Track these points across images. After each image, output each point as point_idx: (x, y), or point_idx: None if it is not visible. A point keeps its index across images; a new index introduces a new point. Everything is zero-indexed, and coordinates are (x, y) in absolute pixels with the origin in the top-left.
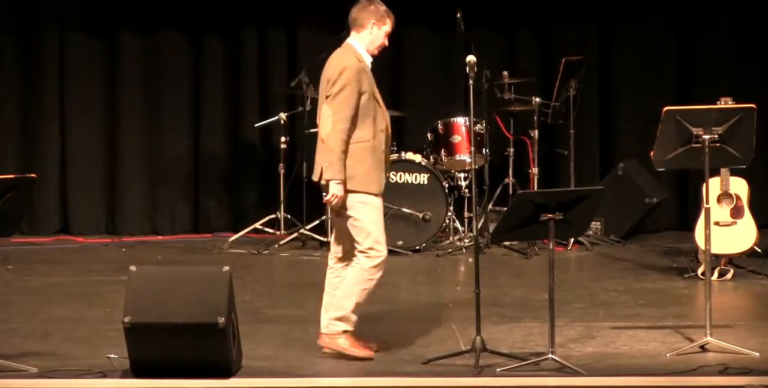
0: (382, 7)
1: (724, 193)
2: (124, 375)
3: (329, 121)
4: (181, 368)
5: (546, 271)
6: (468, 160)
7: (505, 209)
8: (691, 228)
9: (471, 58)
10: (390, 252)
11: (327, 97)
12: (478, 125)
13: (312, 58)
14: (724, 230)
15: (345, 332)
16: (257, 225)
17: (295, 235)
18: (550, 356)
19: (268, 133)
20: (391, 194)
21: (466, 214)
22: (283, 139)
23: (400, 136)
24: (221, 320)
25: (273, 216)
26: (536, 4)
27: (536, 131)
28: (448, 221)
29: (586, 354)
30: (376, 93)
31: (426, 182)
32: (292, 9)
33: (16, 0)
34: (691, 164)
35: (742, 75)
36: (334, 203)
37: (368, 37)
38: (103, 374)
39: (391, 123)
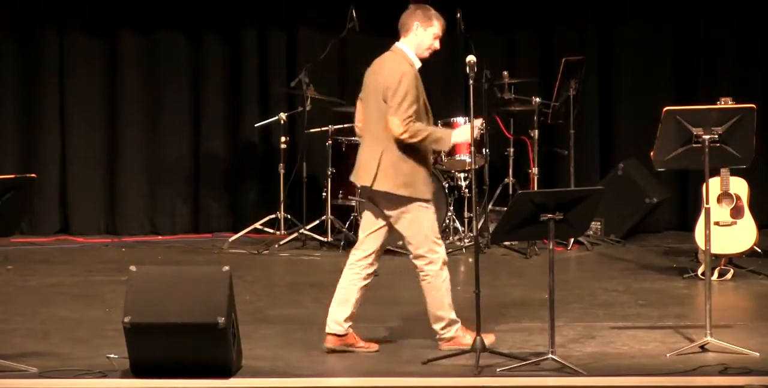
0: (430, 11)
1: (724, 193)
2: (124, 375)
3: (401, 129)
4: (181, 368)
5: (546, 271)
6: (468, 160)
7: (505, 209)
8: (691, 228)
9: (471, 58)
10: (390, 252)
11: (390, 106)
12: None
13: (312, 58)
14: (724, 230)
15: (458, 329)
16: (257, 225)
17: (295, 235)
18: (550, 356)
19: (268, 133)
20: None
21: (466, 214)
22: (283, 139)
23: None
24: (221, 320)
25: (273, 216)
26: (536, 4)
27: (536, 131)
28: (448, 221)
29: (586, 354)
30: (425, 99)
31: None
32: (292, 9)
33: (16, 0)
34: (691, 164)
35: (742, 75)
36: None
37: (414, 40)
38: (103, 374)
39: None
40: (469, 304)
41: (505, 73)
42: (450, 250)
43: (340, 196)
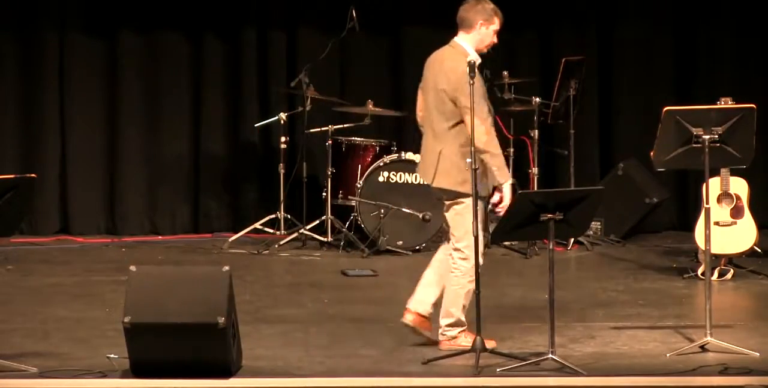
0: (490, 6)
1: (724, 193)
2: (124, 375)
3: (482, 130)
4: (181, 368)
5: (546, 271)
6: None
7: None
8: (691, 228)
9: (471, 58)
10: (390, 252)
11: (463, 107)
12: None
13: (312, 58)
14: (724, 230)
15: (461, 332)
16: (257, 225)
17: (295, 235)
18: (550, 356)
19: (268, 133)
20: (391, 193)
21: None
22: (283, 139)
23: (400, 136)
24: (221, 320)
25: (273, 216)
26: (536, 4)
27: (536, 131)
28: None
29: (586, 354)
30: (485, 92)
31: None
32: (292, 9)
33: (16, 0)
34: (691, 164)
35: (742, 75)
36: (507, 204)
37: (477, 37)
38: (103, 374)
39: (391, 123)
40: (469, 304)
41: (505, 73)
42: None
43: (340, 196)
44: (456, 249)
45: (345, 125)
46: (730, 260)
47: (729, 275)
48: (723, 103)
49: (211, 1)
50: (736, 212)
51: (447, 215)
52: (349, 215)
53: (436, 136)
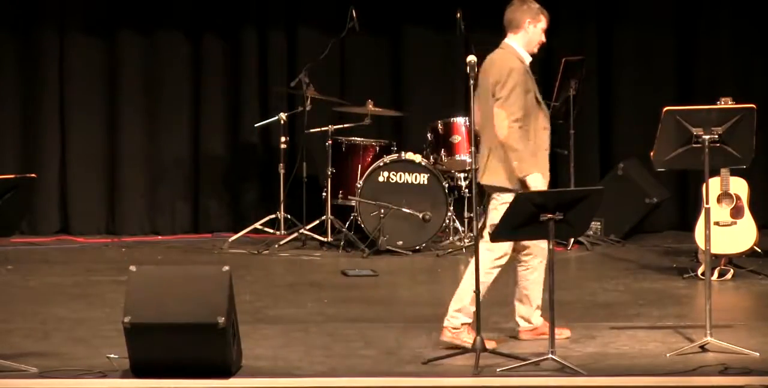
0: (535, 5)
1: (724, 193)
2: (124, 375)
3: (505, 123)
4: (181, 368)
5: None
6: (468, 160)
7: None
8: (691, 228)
9: (471, 58)
10: (390, 252)
11: (497, 99)
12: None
13: (312, 58)
14: (724, 230)
15: (464, 324)
16: (257, 225)
17: (295, 235)
18: (550, 356)
19: (268, 133)
20: (391, 193)
21: (466, 214)
22: (283, 139)
23: (400, 136)
24: (221, 320)
25: (273, 216)
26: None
27: None
28: (448, 221)
29: (586, 354)
30: (537, 92)
31: (426, 182)
32: (292, 9)
33: (16, 0)
34: (691, 164)
35: (742, 75)
36: None
37: (525, 36)
38: (103, 374)
39: (391, 123)
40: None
41: None
42: (450, 250)
43: (340, 196)
44: (518, 249)
45: (345, 125)
46: (730, 260)
47: (729, 275)
48: (723, 103)
49: (211, 1)
50: (736, 212)
51: (490, 207)
52: (349, 215)
53: (488, 136)
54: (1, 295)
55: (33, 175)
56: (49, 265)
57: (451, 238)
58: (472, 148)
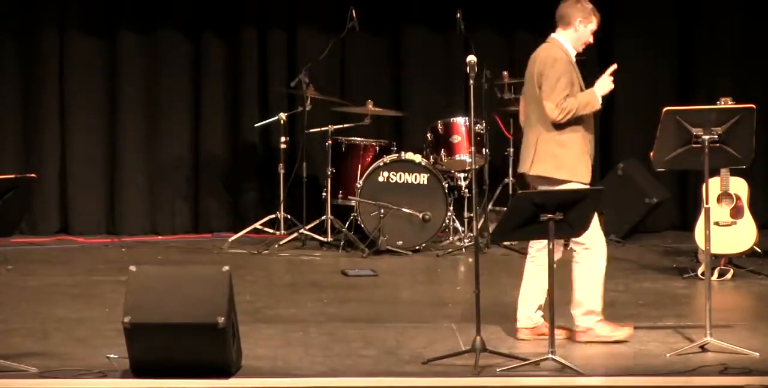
0: (589, 5)
1: (724, 193)
2: (124, 375)
3: (556, 112)
4: (180, 368)
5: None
6: (468, 160)
7: (505, 209)
8: (691, 228)
9: (471, 58)
10: (390, 252)
11: (543, 91)
12: (478, 125)
13: (312, 58)
14: (724, 230)
15: (598, 321)
16: (257, 225)
17: (295, 235)
18: (550, 356)
19: (268, 133)
20: (391, 193)
21: (466, 214)
22: (283, 139)
23: (400, 136)
24: (221, 320)
25: (273, 216)
26: (536, 4)
27: None
28: (448, 221)
29: (586, 354)
30: (583, 86)
31: (426, 182)
32: (292, 9)
33: (16, 0)
34: (691, 164)
35: (742, 75)
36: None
37: (574, 34)
38: (103, 374)
39: (391, 123)
40: (469, 304)
41: (505, 73)
42: (450, 250)
43: (340, 196)
44: (575, 242)
45: (345, 125)
46: (730, 260)
47: (729, 275)
48: (723, 103)
49: (211, 1)
50: (736, 212)
51: None
52: (349, 215)
53: (533, 127)
54: (1, 295)
55: (33, 175)
56: (49, 265)
57: (451, 238)
58: (472, 148)
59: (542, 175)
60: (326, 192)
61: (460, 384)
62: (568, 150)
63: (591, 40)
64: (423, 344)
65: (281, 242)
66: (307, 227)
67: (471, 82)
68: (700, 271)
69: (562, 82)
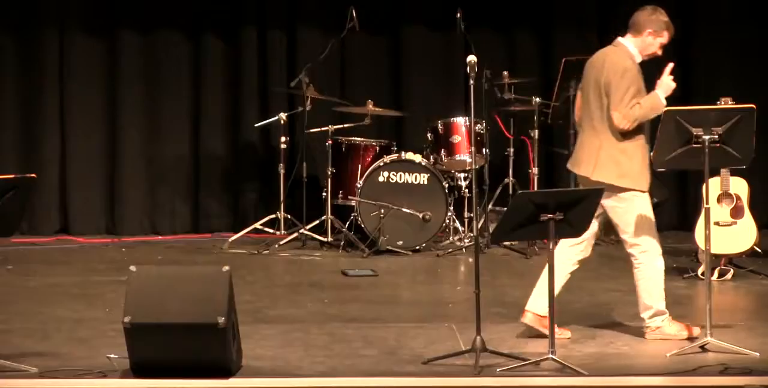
0: (664, 18)
1: (724, 193)
2: (124, 375)
3: (624, 122)
4: (181, 368)
5: None
6: (468, 160)
7: (505, 209)
8: (691, 228)
9: (471, 58)
10: (390, 252)
11: (610, 101)
12: (478, 125)
13: (312, 58)
14: (724, 230)
15: (664, 320)
16: (257, 225)
17: (295, 235)
18: (550, 356)
19: (268, 133)
20: (391, 193)
21: (466, 214)
22: (283, 139)
23: (400, 136)
24: (221, 320)
25: (273, 216)
26: (536, 4)
27: (536, 131)
28: (448, 221)
29: (586, 354)
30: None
31: (426, 182)
32: (292, 9)
33: (16, 0)
34: (691, 164)
35: (742, 75)
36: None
37: (642, 43)
38: (103, 374)
39: (391, 123)
40: (469, 304)
41: (505, 73)
42: (450, 250)
43: (340, 196)
44: (632, 245)
45: (345, 125)
46: (730, 260)
47: (729, 275)
48: (723, 103)
49: (210, 1)
50: (736, 212)
51: (613, 215)
52: (349, 215)
53: (597, 132)
54: (1, 295)
55: (33, 175)
56: (49, 265)
57: (451, 238)
58: (472, 148)
59: (604, 182)
60: (326, 192)
61: (460, 384)
62: (631, 159)
63: (659, 52)
64: (423, 344)
65: (281, 242)
66: (308, 227)
67: (471, 82)
68: (700, 271)
69: (630, 92)
